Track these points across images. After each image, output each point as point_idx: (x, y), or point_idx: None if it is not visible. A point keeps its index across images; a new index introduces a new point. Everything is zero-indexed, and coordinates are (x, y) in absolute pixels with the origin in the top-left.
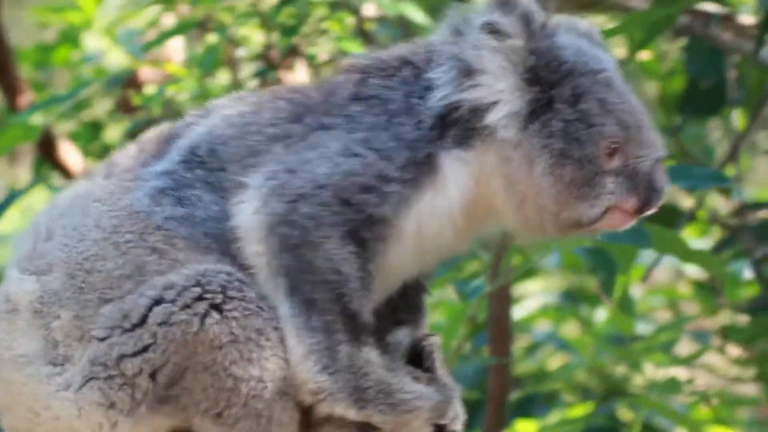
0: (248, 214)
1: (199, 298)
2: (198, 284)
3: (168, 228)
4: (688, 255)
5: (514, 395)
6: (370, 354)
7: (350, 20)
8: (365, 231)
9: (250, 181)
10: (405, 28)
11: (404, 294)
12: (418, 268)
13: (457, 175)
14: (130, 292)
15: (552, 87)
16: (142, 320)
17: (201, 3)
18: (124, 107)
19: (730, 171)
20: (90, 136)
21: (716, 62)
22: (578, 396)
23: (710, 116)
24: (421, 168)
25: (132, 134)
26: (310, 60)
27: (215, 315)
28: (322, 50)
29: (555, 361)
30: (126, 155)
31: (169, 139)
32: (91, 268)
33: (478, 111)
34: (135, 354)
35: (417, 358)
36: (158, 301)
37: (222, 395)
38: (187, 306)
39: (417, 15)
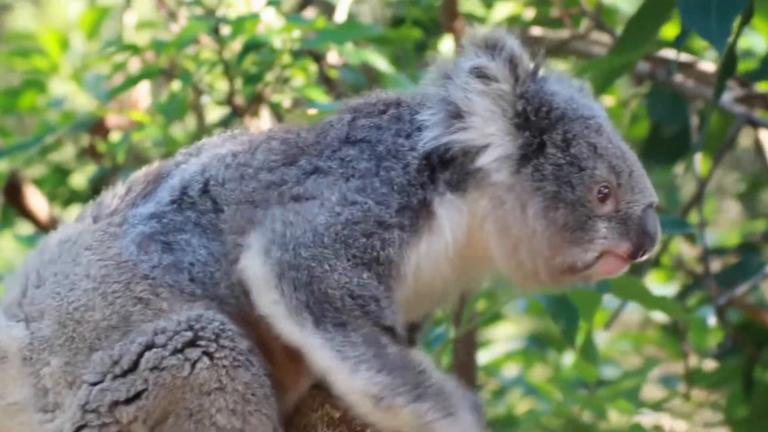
0: (257, 267)
1: (192, 344)
2: (191, 329)
3: (154, 276)
4: (650, 301)
5: None
6: (420, 355)
7: (313, 68)
8: (374, 265)
9: (252, 239)
10: (369, 76)
11: None
12: (413, 313)
13: (451, 219)
14: (117, 341)
15: (543, 132)
16: (134, 366)
17: (165, 50)
18: (91, 153)
19: (694, 216)
20: (56, 182)
21: (679, 109)
22: None
23: (673, 162)
24: (416, 213)
25: (98, 180)
26: (275, 107)
27: (206, 360)
28: (286, 97)
29: (524, 405)
30: (114, 195)
31: (158, 179)
32: (81, 318)
33: (469, 154)
34: (128, 401)
35: None
36: (149, 347)
37: None
38: (178, 350)
39: (380, 63)
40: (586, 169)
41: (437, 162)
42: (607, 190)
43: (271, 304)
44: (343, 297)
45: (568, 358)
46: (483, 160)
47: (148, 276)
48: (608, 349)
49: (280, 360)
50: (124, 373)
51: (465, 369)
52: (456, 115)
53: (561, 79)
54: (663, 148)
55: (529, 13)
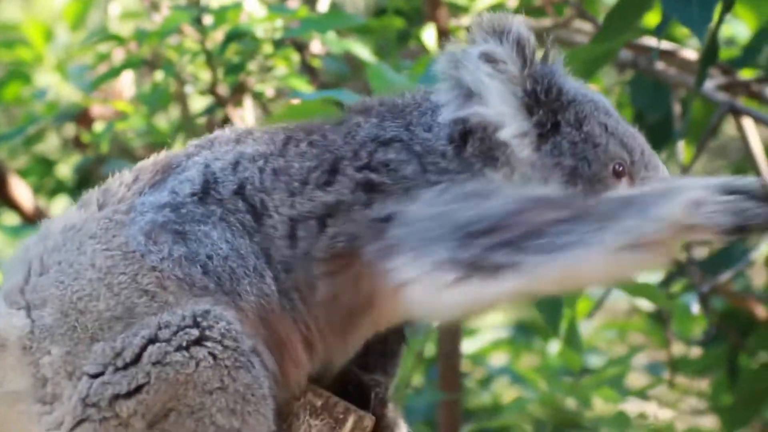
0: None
1: (198, 342)
2: (197, 326)
3: (162, 269)
4: (633, 288)
5: (468, 428)
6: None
7: (296, 57)
8: None
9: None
10: (352, 65)
11: (384, 340)
12: None
13: None
14: (120, 333)
15: (556, 112)
16: (136, 359)
17: (147, 40)
18: (76, 143)
19: None
20: (41, 173)
21: (662, 97)
22: (532, 429)
23: (656, 150)
24: None
25: (82, 171)
26: (258, 96)
27: (210, 360)
28: (269, 87)
29: (510, 394)
30: (121, 183)
31: (168, 169)
32: (84, 308)
33: (487, 130)
34: (129, 394)
35: (364, 400)
36: (153, 341)
37: None
38: (182, 347)
39: (363, 52)
40: (599, 146)
41: (460, 142)
42: (621, 168)
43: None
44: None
45: (555, 347)
46: (503, 135)
47: (155, 268)
48: (594, 338)
49: (294, 354)
50: (126, 366)
51: (450, 358)
52: (468, 95)
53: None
54: (646, 135)
55: (512, 2)
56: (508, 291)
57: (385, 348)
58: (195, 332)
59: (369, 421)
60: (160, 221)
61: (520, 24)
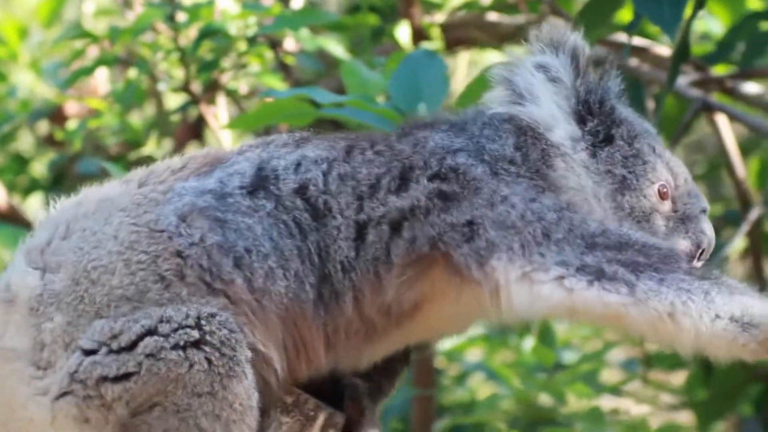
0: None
1: (196, 345)
2: (198, 327)
3: (188, 255)
4: None
5: (443, 424)
6: None
7: (270, 54)
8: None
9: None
10: (326, 62)
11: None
12: None
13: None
14: (125, 314)
15: (610, 126)
16: (131, 346)
17: (120, 38)
18: (50, 141)
19: None
20: (16, 170)
21: (635, 93)
22: (507, 425)
23: None
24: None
25: (57, 168)
26: (231, 94)
27: (205, 364)
28: (243, 84)
29: (485, 390)
30: (168, 167)
31: (216, 161)
32: (97, 279)
33: (537, 131)
34: (116, 379)
35: (338, 399)
36: (151, 332)
37: None
38: (179, 346)
39: (336, 49)
40: (648, 163)
41: (525, 148)
42: (665, 190)
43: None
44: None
45: (529, 343)
46: (554, 136)
47: (181, 253)
48: (568, 334)
49: (312, 354)
50: (120, 350)
51: (424, 354)
52: (521, 96)
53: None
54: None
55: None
56: (610, 305)
57: (387, 366)
58: (195, 334)
59: (340, 418)
60: (200, 206)
61: (577, 38)
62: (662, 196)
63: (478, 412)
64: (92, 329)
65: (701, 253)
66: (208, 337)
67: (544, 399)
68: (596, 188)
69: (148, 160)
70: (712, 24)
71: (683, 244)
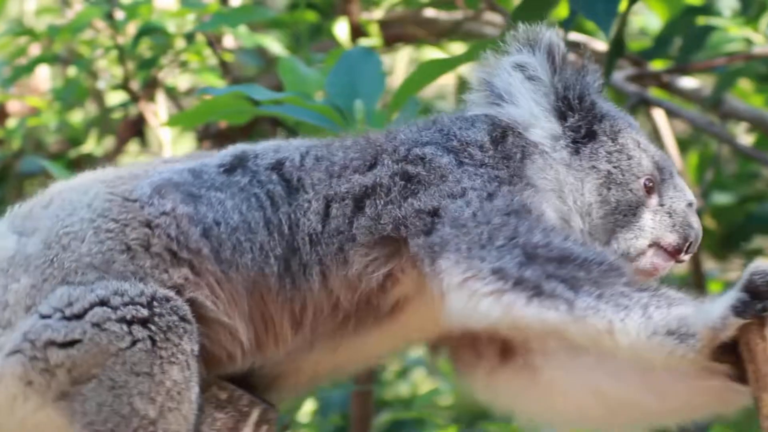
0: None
1: (143, 323)
2: (149, 307)
3: (157, 224)
4: None
5: (384, 419)
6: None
7: (209, 52)
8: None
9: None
10: (265, 59)
11: None
12: None
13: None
14: (89, 283)
15: (592, 122)
16: (82, 314)
17: (59, 36)
18: None
19: None
20: None
21: None
22: (447, 420)
23: None
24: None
25: None
26: (170, 91)
27: (148, 344)
28: (183, 82)
29: (427, 385)
30: (165, 160)
31: (203, 156)
32: (68, 245)
33: (516, 131)
34: (62, 345)
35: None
36: (103, 303)
37: (113, 418)
38: (125, 320)
39: (274, 46)
40: (633, 158)
41: (499, 137)
42: (651, 184)
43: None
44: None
45: None
46: (533, 136)
47: (150, 223)
48: None
49: (279, 330)
50: (71, 317)
51: None
52: (500, 97)
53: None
54: None
55: None
56: (548, 323)
57: None
58: (144, 312)
59: (274, 414)
60: (175, 180)
61: (552, 35)
62: (648, 190)
63: (417, 407)
64: (54, 295)
65: (689, 246)
66: (156, 319)
67: None
68: (578, 185)
69: (89, 158)
70: (649, 19)
71: (671, 238)
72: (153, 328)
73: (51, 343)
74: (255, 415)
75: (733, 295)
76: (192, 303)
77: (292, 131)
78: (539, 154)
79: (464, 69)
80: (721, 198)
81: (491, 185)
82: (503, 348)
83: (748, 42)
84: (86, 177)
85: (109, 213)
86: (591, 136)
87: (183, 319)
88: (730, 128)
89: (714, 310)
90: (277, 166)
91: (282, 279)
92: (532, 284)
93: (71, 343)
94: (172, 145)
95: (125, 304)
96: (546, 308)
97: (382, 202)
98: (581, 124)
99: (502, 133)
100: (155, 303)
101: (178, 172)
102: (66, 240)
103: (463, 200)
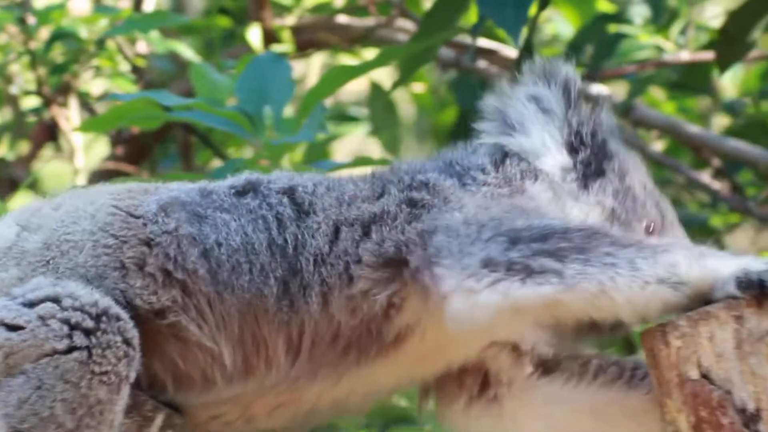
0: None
1: (85, 333)
2: (96, 319)
3: (156, 243)
4: None
5: None
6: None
7: (121, 57)
8: None
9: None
10: (179, 65)
11: None
12: None
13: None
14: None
15: (602, 159)
16: (35, 303)
17: None
18: None
19: None
20: None
21: (484, 95)
22: (360, 425)
23: None
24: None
25: None
26: (83, 97)
27: (84, 354)
28: (95, 87)
29: None
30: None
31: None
32: (66, 252)
33: (526, 158)
34: (8, 327)
35: None
36: (56, 299)
37: (31, 419)
38: (68, 323)
39: (186, 51)
40: (638, 199)
41: (501, 162)
42: (652, 228)
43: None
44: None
45: None
46: (543, 165)
47: (150, 241)
48: None
49: (272, 354)
50: (25, 304)
51: None
52: (511, 126)
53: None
54: (470, 134)
55: (339, 1)
56: (546, 297)
57: None
58: (90, 323)
59: (179, 419)
60: (183, 199)
61: (569, 70)
62: (650, 232)
63: None
64: (30, 282)
65: None
66: (99, 333)
67: (400, 400)
68: (583, 218)
69: (2, 162)
70: (562, 26)
71: None
72: (93, 340)
73: (1, 323)
74: (159, 420)
75: (747, 268)
76: (173, 326)
77: (203, 137)
78: (548, 182)
79: (377, 75)
80: None
81: (491, 200)
82: (483, 380)
83: (659, 50)
84: (100, 187)
85: (110, 228)
86: (600, 173)
87: (126, 342)
88: (642, 135)
89: (717, 269)
90: (289, 191)
91: (280, 301)
92: (521, 266)
93: (15, 328)
94: (85, 151)
95: (74, 309)
96: (540, 284)
97: (387, 228)
98: (592, 160)
99: (508, 159)
100: (104, 318)
101: (186, 191)
102: (66, 247)
103: (459, 212)
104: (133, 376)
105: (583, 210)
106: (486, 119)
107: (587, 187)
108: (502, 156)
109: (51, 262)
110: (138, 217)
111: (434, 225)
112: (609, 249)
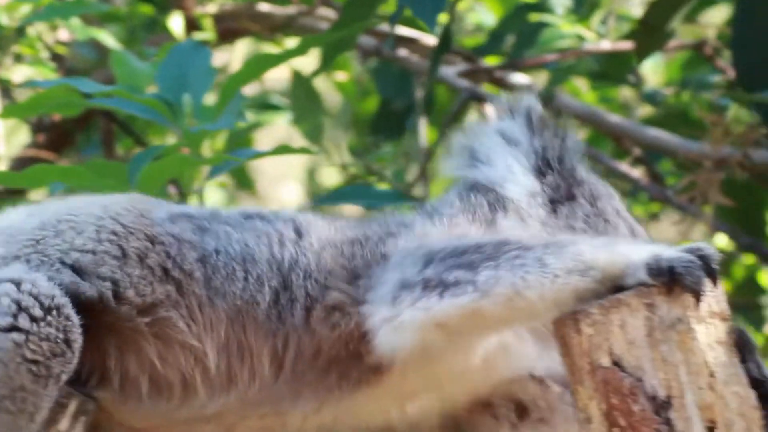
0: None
1: (32, 320)
2: (47, 310)
3: (160, 242)
4: None
5: None
6: None
7: (42, 44)
8: None
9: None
10: (100, 52)
11: None
12: None
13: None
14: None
15: (572, 185)
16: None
17: None
18: None
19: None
20: None
21: (406, 84)
22: None
23: (398, 136)
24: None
25: None
26: (4, 84)
27: (22, 338)
28: (15, 74)
29: None
30: None
31: None
32: (62, 232)
33: (492, 190)
34: None
35: None
36: (16, 283)
37: None
38: (20, 306)
39: (107, 39)
40: (610, 223)
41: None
42: None
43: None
44: None
45: None
46: (509, 192)
47: (154, 239)
48: None
49: (256, 364)
50: None
51: None
52: (477, 159)
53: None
54: (391, 122)
55: None
56: (464, 307)
57: None
58: (37, 311)
59: (92, 405)
60: (192, 213)
61: (530, 99)
62: None
63: None
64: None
65: None
66: (43, 323)
67: None
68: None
69: None
70: (484, 16)
71: None
72: (35, 328)
73: None
74: (72, 406)
75: (659, 255)
76: (162, 321)
77: (124, 125)
78: (514, 210)
79: (301, 64)
80: None
81: (448, 230)
82: (518, 407)
83: (580, 39)
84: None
85: (120, 218)
86: (570, 197)
87: (67, 342)
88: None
89: (628, 255)
90: (293, 221)
91: (269, 310)
92: (436, 281)
93: None
94: (6, 138)
95: (30, 294)
96: (457, 296)
97: (361, 248)
98: (561, 184)
99: (474, 190)
100: (54, 312)
101: (197, 209)
102: (63, 226)
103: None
104: (64, 378)
105: (554, 233)
106: (453, 157)
107: (556, 212)
108: (469, 189)
109: (40, 242)
110: (147, 218)
111: (378, 255)
112: (517, 252)
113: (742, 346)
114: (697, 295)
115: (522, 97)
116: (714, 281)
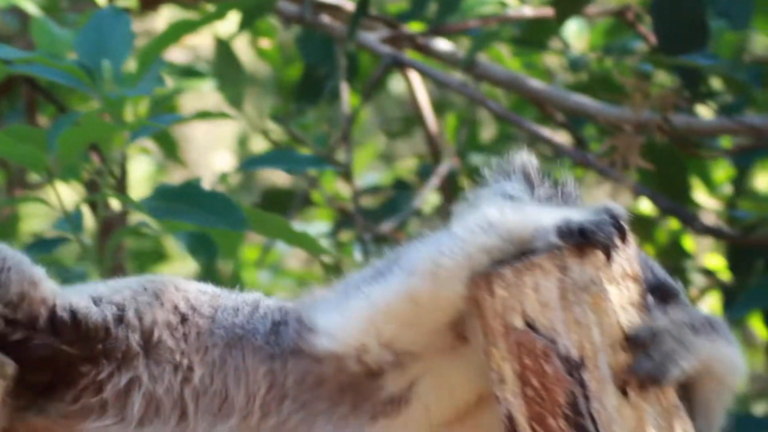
0: None
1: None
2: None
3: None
4: (291, 238)
5: None
6: None
7: None
8: None
9: None
10: (22, 20)
11: None
12: None
13: None
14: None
15: None
16: None
17: None
18: None
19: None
20: None
21: (329, 50)
22: None
23: (317, 102)
24: None
25: None
26: None
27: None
28: None
29: None
30: None
31: None
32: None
33: None
34: None
35: None
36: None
37: None
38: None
39: (28, 5)
40: None
41: None
42: None
43: None
44: None
45: None
46: None
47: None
48: (272, 287)
49: (254, 388)
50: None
51: None
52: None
53: None
54: (314, 88)
55: None
56: (398, 289)
57: None
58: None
59: (11, 369)
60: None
61: (523, 156)
62: None
63: None
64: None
65: None
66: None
67: None
68: None
69: None
70: None
71: None
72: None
73: None
74: None
75: (569, 218)
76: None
77: (46, 93)
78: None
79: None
80: (477, 159)
81: None
82: None
83: (503, 5)
84: None
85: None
86: None
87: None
88: (489, 92)
89: (538, 217)
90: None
91: (268, 337)
92: (365, 279)
93: None
94: None
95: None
96: (388, 280)
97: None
98: None
99: None
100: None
101: None
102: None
103: None
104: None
105: None
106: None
107: None
108: None
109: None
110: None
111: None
112: (437, 235)
113: (664, 297)
114: (608, 250)
115: (514, 156)
116: (623, 238)
